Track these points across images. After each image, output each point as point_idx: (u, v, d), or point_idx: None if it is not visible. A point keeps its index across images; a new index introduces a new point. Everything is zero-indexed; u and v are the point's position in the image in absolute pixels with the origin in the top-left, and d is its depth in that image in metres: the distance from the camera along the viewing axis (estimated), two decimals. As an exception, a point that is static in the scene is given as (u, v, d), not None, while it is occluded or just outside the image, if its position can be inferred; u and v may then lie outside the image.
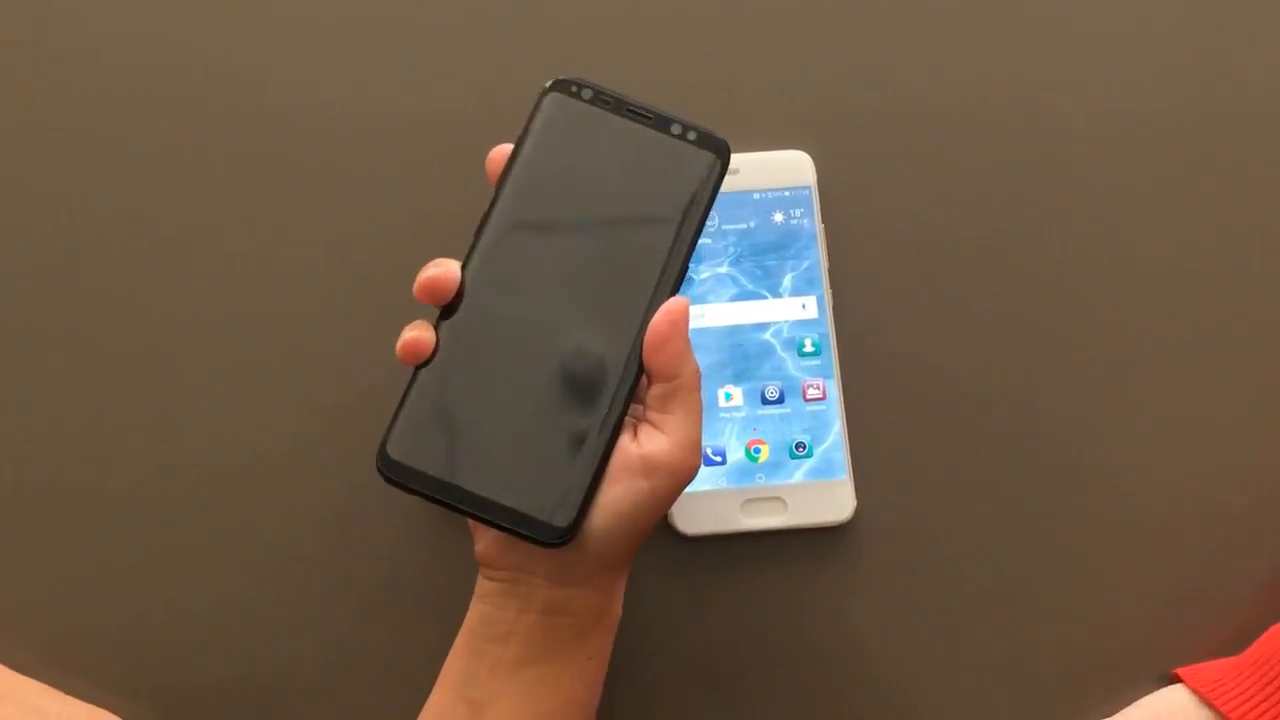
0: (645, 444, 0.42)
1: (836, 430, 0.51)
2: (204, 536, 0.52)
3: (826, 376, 0.52)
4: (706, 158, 0.44)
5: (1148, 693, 0.50)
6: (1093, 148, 0.55)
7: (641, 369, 0.42)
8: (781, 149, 0.54)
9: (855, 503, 0.51)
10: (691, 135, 0.44)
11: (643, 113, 0.44)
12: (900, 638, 0.51)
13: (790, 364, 0.52)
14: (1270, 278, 0.54)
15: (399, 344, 0.42)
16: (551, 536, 0.40)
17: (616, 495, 0.41)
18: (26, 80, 0.55)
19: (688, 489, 0.50)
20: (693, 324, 0.51)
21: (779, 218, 0.53)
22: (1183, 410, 0.53)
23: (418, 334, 0.42)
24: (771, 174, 0.53)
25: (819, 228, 0.53)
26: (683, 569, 0.52)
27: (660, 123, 0.44)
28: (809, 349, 0.52)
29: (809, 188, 0.53)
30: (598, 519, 0.41)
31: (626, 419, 0.42)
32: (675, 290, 0.43)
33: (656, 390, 0.42)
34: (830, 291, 0.53)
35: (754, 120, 0.55)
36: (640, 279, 0.42)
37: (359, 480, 0.52)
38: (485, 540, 0.43)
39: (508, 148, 0.44)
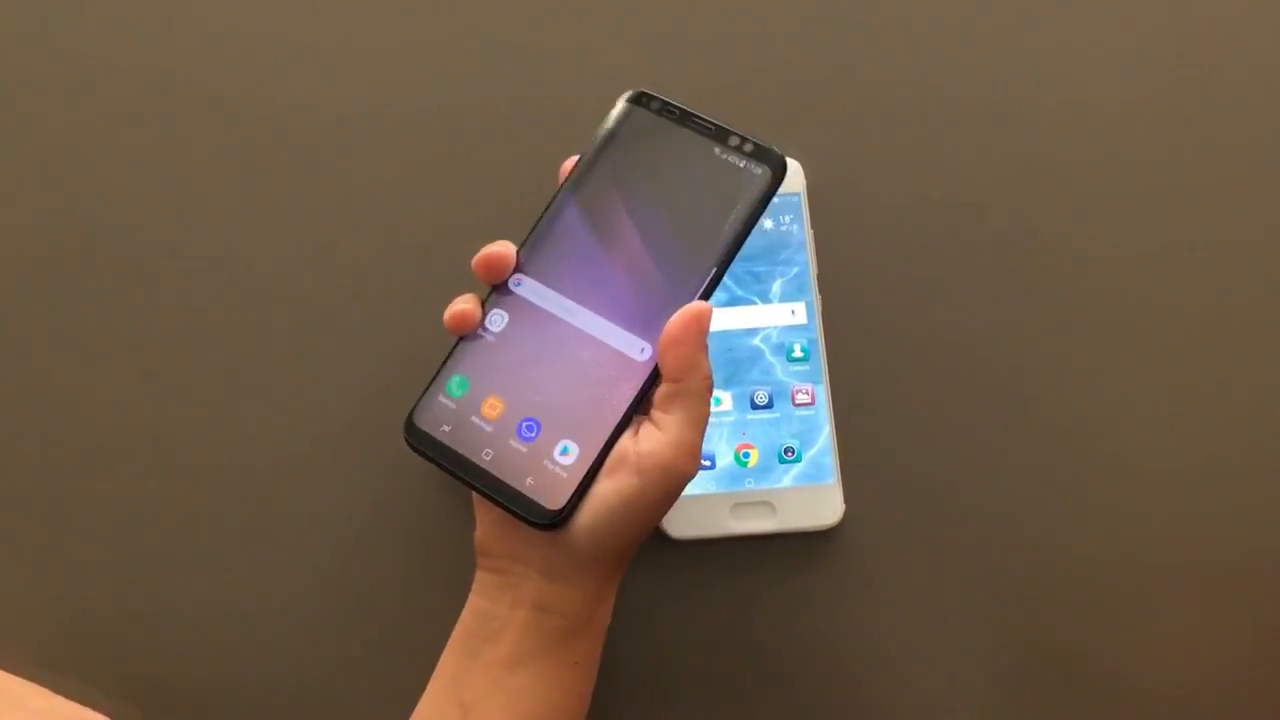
0: (642, 441, 0.42)
1: (825, 435, 0.52)
2: (197, 537, 0.52)
3: (815, 382, 0.52)
4: (759, 169, 0.45)
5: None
6: (1085, 156, 0.55)
7: (657, 371, 0.43)
8: (772, 156, 0.54)
9: (843, 507, 0.51)
10: (748, 147, 0.45)
11: (705, 124, 0.45)
12: (887, 641, 0.52)
13: (779, 369, 0.52)
14: (1266, 265, 0.55)
15: (448, 313, 0.44)
16: (542, 518, 0.42)
17: (607, 488, 0.42)
18: (49, 86, 0.56)
19: (677, 493, 0.51)
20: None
21: (769, 224, 0.53)
22: (1178, 412, 0.53)
23: (467, 307, 0.44)
24: (762, 181, 0.54)
25: (808, 234, 0.53)
26: (672, 572, 0.52)
27: (719, 134, 0.45)
28: (798, 354, 0.52)
29: (799, 195, 0.54)
30: (586, 510, 0.42)
31: (636, 417, 0.43)
32: (707, 295, 0.44)
33: (664, 390, 0.43)
34: (820, 298, 0.53)
35: (744, 128, 0.55)
36: (676, 284, 0.44)
37: (356, 481, 0.53)
38: (485, 525, 0.44)
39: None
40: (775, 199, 0.53)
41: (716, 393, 0.52)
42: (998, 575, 0.52)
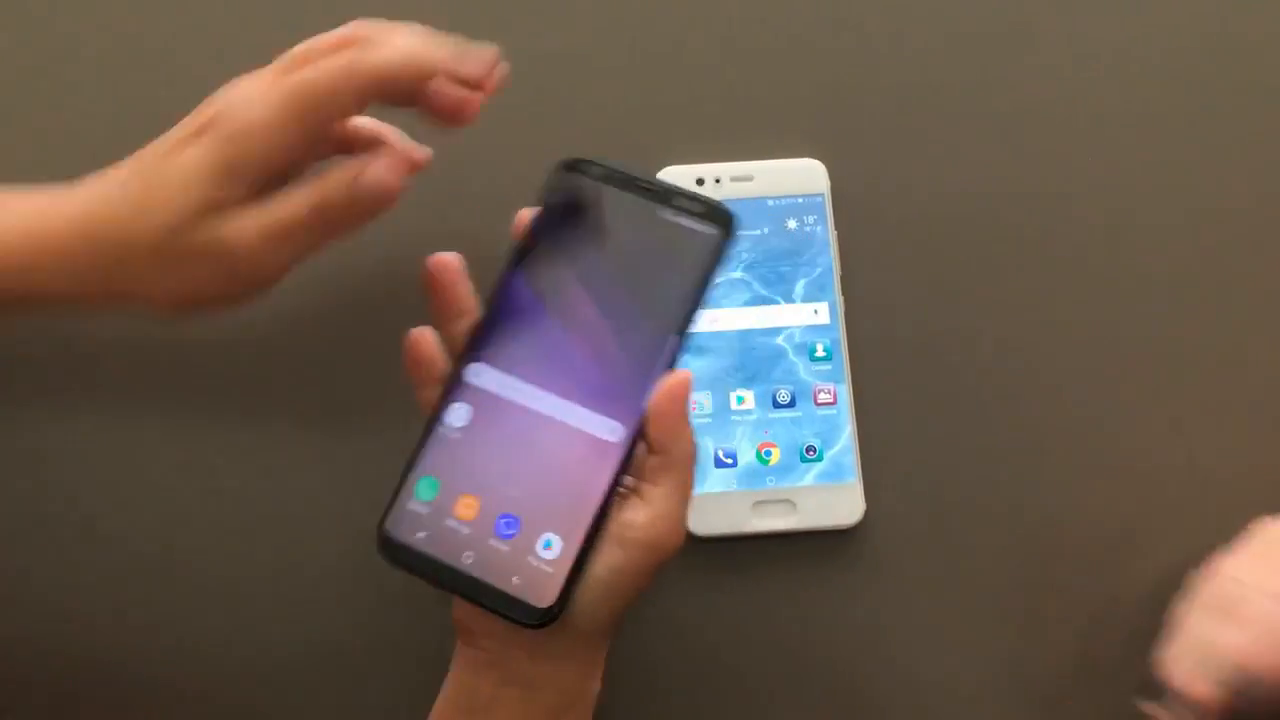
0: (626, 513, 0.41)
1: (846, 434, 0.52)
2: (209, 554, 0.53)
3: (837, 381, 0.53)
4: (709, 229, 0.44)
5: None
6: (1109, 155, 0.56)
7: (633, 450, 0.42)
8: (796, 157, 0.55)
9: (864, 506, 0.52)
10: (696, 207, 0.44)
11: (649, 187, 0.44)
12: (907, 640, 0.52)
13: (802, 368, 0.53)
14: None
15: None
16: (532, 618, 0.40)
17: (595, 566, 0.41)
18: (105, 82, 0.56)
19: (700, 490, 0.51)
20: (708, 328, 0.52)
21: (792, 224, 0.54)
22: (1207, 416, 0.54)
23: (424, 398, 0.43)
24: (785, 181, 0.54)
25: (832, 235, 0.54)
26: (693, 569, 0.52)
27: (664, 195, 0.44)
28: (820, 354, 0.53)
29: (822, 195, 0.54)
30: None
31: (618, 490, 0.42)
32: (674, 363, 0.42)
33: (651, 462, 0.42)
34: (842, 298, 0.53)
35: (769, 128, 0.56)
36: (641, 357, 0.42)
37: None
38: (463, 604, 0.43)
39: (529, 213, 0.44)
40: (799, 199, 0.54)
41: (739, 391, 0.52)
42: (1017, 576, 0.52)
